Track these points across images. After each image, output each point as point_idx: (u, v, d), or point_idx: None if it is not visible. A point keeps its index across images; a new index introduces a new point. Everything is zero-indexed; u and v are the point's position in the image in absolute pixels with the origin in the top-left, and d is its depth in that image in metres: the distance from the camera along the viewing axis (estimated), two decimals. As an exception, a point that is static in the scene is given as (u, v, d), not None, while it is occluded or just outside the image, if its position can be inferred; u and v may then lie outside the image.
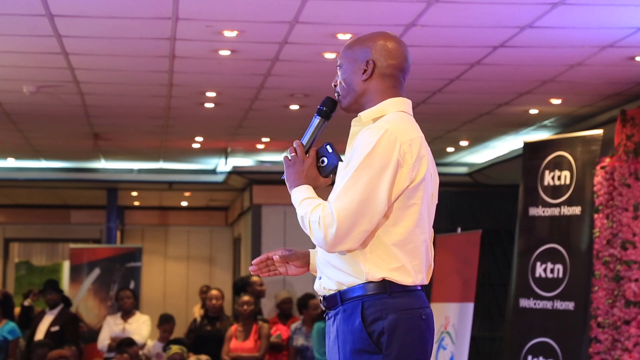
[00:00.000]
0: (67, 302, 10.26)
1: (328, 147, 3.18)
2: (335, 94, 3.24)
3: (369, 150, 2.97)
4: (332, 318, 3.11)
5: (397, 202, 3.00)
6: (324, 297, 3.13)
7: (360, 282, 3.02)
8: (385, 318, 2.99)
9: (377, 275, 3.01)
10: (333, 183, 3.13)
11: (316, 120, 3.22)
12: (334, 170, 3.14)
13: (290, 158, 3.18)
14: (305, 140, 3.21)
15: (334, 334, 3.09)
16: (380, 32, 3.22)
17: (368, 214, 2.95)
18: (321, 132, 3.23)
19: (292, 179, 3.15)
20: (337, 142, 3.27)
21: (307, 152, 3.19)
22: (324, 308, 3.16)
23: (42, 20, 6.22)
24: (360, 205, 2.94)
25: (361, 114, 3.15)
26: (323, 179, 3.17)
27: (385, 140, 2.98)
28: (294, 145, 3.18)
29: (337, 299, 3.07)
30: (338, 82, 3.21)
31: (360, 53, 3.16)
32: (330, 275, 3.09)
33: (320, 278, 3.17)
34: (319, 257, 3.16)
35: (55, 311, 9.97)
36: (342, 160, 3.12)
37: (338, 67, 3.22)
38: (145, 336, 10.15)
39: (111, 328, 10.39)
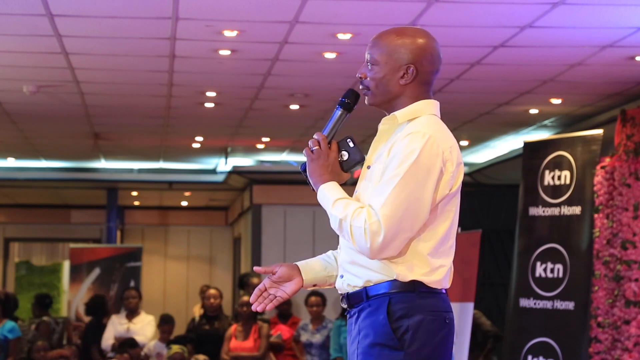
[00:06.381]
0: None
1: (349, 141, 3.05)
2: (361, 87, 3.08)
3: (414, 157, 2.89)
4: (355, 315, 3.03)
5: (434, 209, 2.96)
6: (347, 294, 3.04)
7: (388, 279, 2.96)
8: (411, 317, 2.94)
9: (408, 277, 2.96)
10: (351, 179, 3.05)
11: (338, 113, 3.07)
12: (355, 166, 3.04)
13: (313, 151, 3.03)
14: (326, 132, 3.06)
15: (355, 331, 3.02)
16: (418, 31, 3.08)
17: (411, 222, 2.90)
18: (342, 125, 3.09)
19: (317, 173, 3.01)
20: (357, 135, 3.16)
21: (328, 145, 3.04)
22: (345, 306, 3.08)
23: (42, 20, 6.22)
24: (405, 214, 2.88)
25: (396, 114, 3.03)
26: (344, 174, 3.05)
27: (429, 148, 2.92)
28: (316, 138, 3.04)
29: (362, 296, 2.99)
30: (368, 77, 3.04)
31: (401, 54, 3.00)
32: (357, 272, 3.01)
33: (342, 276, 3.08)
34: (342, 256, 3.08)
35: None
36: (364, 157, 3.03)
37: (370, 62, 3.03)
38: (149, 337, 10.06)
39: (115, 328, 10.26)
